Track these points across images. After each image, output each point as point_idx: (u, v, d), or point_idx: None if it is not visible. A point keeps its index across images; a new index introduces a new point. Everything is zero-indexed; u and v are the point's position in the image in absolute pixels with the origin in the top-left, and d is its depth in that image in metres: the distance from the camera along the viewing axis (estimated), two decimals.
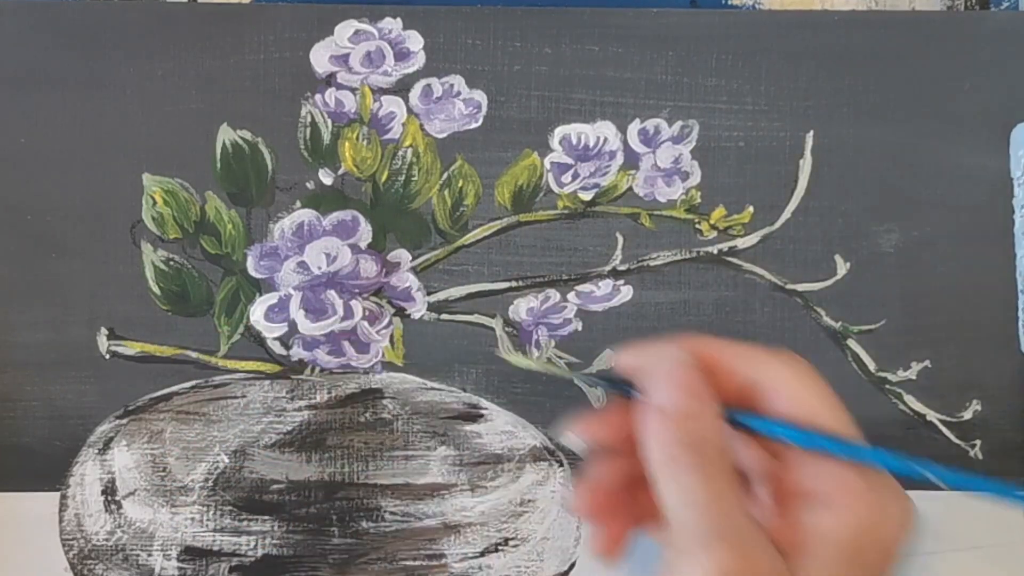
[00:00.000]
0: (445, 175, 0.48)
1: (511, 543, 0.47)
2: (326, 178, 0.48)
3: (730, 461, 0.35)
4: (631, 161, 0.49)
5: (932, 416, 0.48)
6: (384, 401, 0.47)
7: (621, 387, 0.37)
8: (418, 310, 0.48)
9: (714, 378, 0.36)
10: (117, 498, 0.46)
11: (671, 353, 0.36)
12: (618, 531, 0.39)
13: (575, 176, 0.48)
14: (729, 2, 0.50)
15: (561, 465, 0.47)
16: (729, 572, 0.33)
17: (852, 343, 0.48)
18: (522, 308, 0.48)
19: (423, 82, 0.48)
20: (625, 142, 0.49)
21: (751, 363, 0.37)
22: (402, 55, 0.48)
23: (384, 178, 0.48)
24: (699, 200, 0.49)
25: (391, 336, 0.48)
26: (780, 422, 0.35)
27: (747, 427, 0.36)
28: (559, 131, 0.48)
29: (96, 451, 0.47)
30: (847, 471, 0.35)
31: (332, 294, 0.47)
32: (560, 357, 0.48)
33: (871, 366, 0.48)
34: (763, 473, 0.37)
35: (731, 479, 0.35)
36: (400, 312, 0.48)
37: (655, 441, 0.35)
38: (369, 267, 0.48)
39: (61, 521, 0.46)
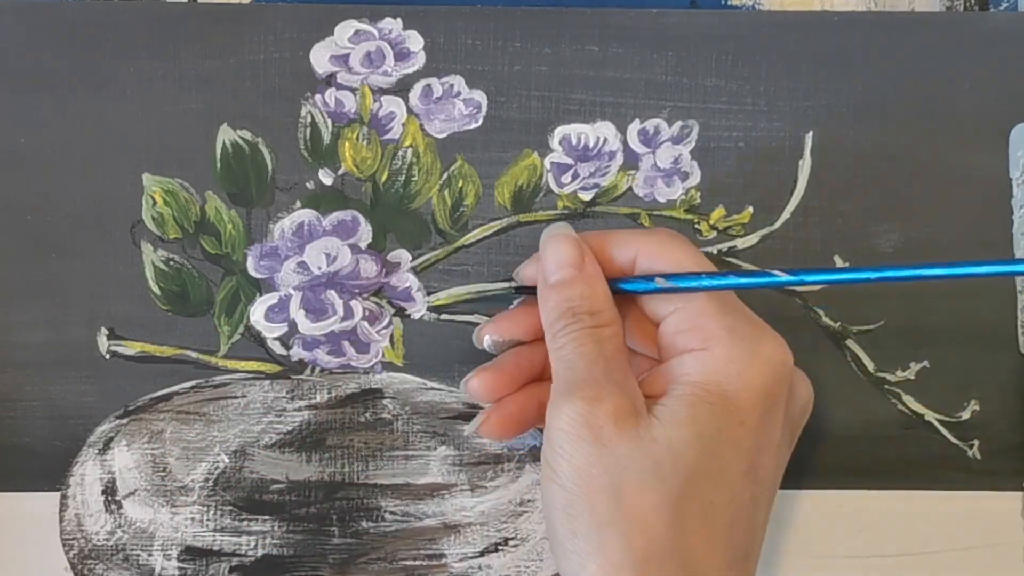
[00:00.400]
0: (445, 175, 0.48)
1: (511, 543, 0.47)
2: (326, 178, 0.48)
3: (606, 322, 0.40)
4: (631, 161, 0.49)
5: (931, 416, 0.48)
6: (384, 401, 0.48)
7: (528, 291, 0.43)
8: (418, 310, 0.48)
9: (601, 258, 0.41)
10: (117, 498, 0.46)
11: (554, 228, 0.42)
12: (512, 412, 0.43)
13: (575, 176, 0.48)
14: (729, 2, 0.50)
15: None
16: (581, 414, 0.37)
17: (851, 343, 0.48)
18: None
19: (423, 82, 0.48)
20: (625, 142, 0.49)
21: (630, 241, 0.42)
22: (402, 55, 0.48)
23: (384, 178, 0.48)
24: (699, 200, 0.49)
25: (391, 336, 0.48)
26: (654, 278, 0.40)
27: (631, 291, 0.41)
28: (559, 131, 0.48)
29: (96, 451, 0.47)
30: (712, 323, 0.39)
31: (332, 294, 0.47)
32: None
33: (870, 366, 0.48)
34: (644, 336, 0.42)
35: (600, 338, 0.39)
36: (400, 312, 0.48)
37: (542, 311, 0.41)
38: (369, 267, 0.48)
39: (61, 521, 0.46)
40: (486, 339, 0.44)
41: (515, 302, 0.45)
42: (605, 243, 0.42)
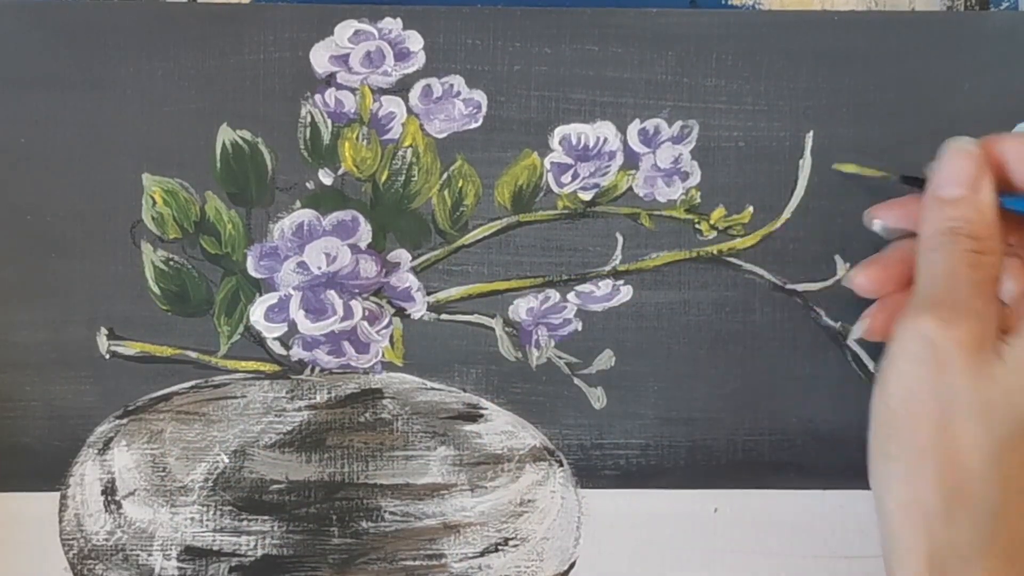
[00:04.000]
0: (445, 175, 0.48)
1: (511, 543, 0.47)
2: (326, 178, 0.48)
3: (986, 250, 0.38)
4: (631, 161, 0.49)
5: None
6: (384, 401, 0.48)
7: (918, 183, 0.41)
8: (418, 310, 0.48)
9: (999, 169, 0.39)
10: (117, 498, 0.46)
11: (958, 144, 0.40)
12: (897, 313, 0.40)
13: (575, 176, 0.48)
14: (729, 2, 0.50)
15: (561, 465, 0.48)
16: (929, 335, 0.36)
17: (851, 343, 0.48)
18: (522, 308, 0.48)
19: (423, 82, 0.48)
20: (625, 142, 0.49)
21: None
22: (402, 55, 0.48)
23: (384, 178, 0.48)
24: (699, 200, 0.49)
25: (391, 336, 0.48)
26: None
27: (1015, 210, 0.39)
28: (559, 131, 0.48)
29: (96, 451, 0.47)
30: None
31: (332, 294, 0.47)
32: (560, 357, 0.48)
33: (871, 366, 0.48)
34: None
35: (974, 263, 0.37)
36: (400, 312, 0.48)
37: (921, 224, 0.39)
38: (369, 267, 0.48)
39: (61, 521, 0.46)
40: (877, 223, 0.43)
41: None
42: (1005, 147, 0.40)
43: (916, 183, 0.42)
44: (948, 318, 0.36)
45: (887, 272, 0.42)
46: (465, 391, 0.48)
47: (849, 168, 0.47)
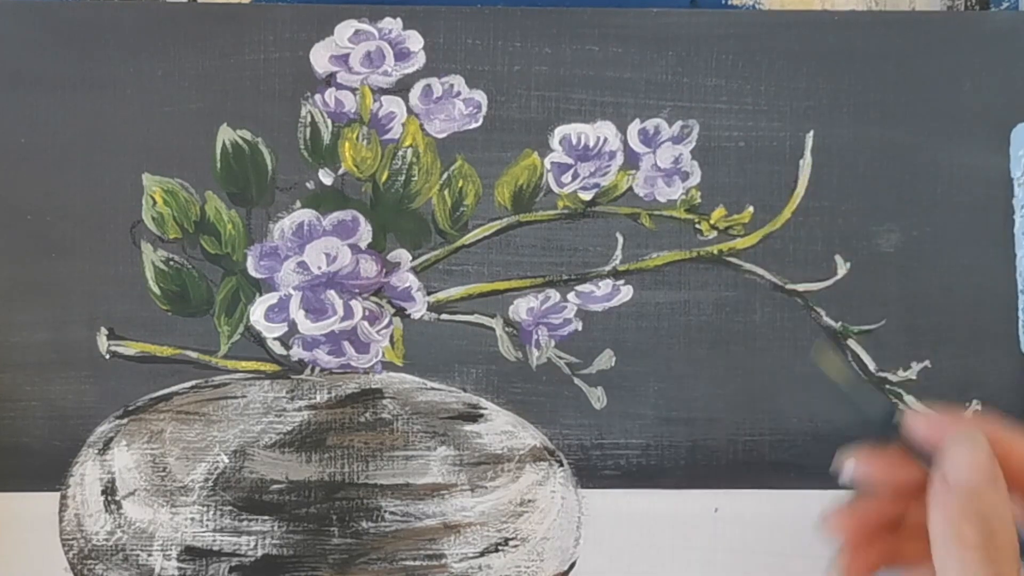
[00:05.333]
0: (445, 175, 0.48)
1: (511, 543, 0.47)
2: (326, 178, 0.48)
3: (1014, 544, 0.37)
4: (631, 161, 0.49)
5: None
6: (384, 401, 0.47)
7: (906, 444, 0.39)
8: (418, 310, 0.48)
9: (1004, 462, 0.37)
10: (117, 498, 0.46)
11: (969, 433, 0.38)
12: (866, 565, 0.40)
13: (575, 176, 0.48)
14: (729, 2, 0.50)
15: (561, 465, 0.48)
16: None
17: (852, 343, 0.48)
18: (522, 308, 0.48)
19: (423, 82, 0.48)
20: (625, 142, 0.49)
21: None
22: (402, 55, 0.48)
23: (384, 178, 0.48)
24: (699, 200, 0.49)
25: (391, 336, 0.48)
26: None
27: None
28: (559, 131, 0.48)
29: (96, 451, 0.47)
30: None
31: (332, 294, 0.47)
32: (560, 357, 0.48)
33: (871, 366, 0.48)
34: None
35: (1012, 562, 0.36)
36: (400, 312, 0.48)
37: (942, 513, 0.37)
38: (369, 267, 0.48)
39: (61, 521, 0.46)
40: (846, 470, 0.40)
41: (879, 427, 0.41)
42: (1010, 442, 0.38)
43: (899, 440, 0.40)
44: None
45: (862, 524, 0.40)
46: (465, 391, 0.48)
47: (824, 362, 0.44)
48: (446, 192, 0.48)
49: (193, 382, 0.47)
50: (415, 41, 0.48)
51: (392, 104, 0.48)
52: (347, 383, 0.48)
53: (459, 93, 0.48)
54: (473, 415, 0.48)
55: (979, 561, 0.36)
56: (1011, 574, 0.36)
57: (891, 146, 0.49)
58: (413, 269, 0.48)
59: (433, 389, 0.48)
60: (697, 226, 0.49)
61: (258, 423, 0.47)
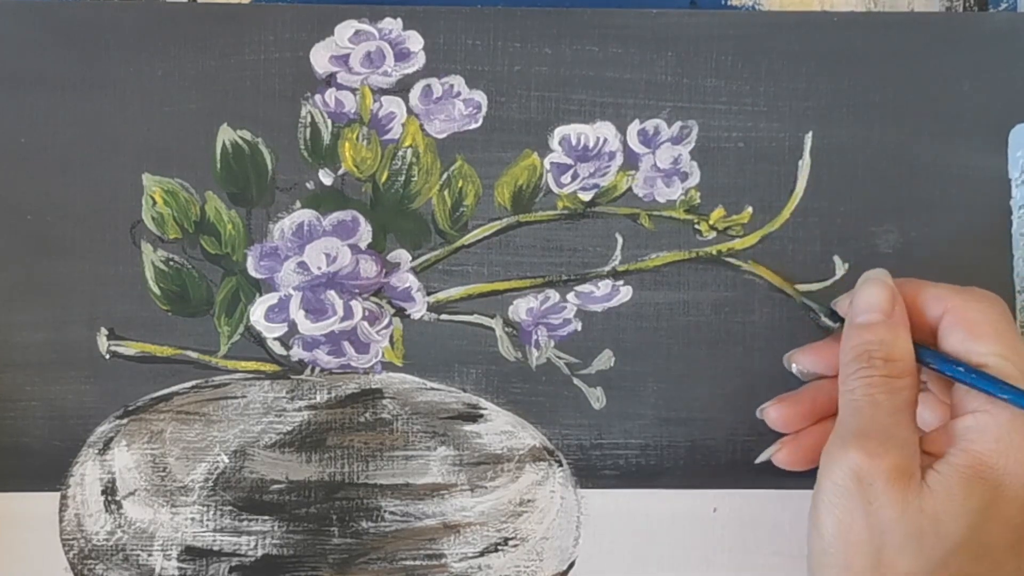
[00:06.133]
0: (445, 175, 0.48)
1: (511, 543, 0.47)
2: (326, 178, 0.48)
3: (901, 372, 0.40)
4: (631, 161, 0.49)
5: None
6: (384, 401, 0.48)
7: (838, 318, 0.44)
8: (418, 310, 0.48)
9: (911, 308, 0.41)
10: (117, 498, 0.46)
11: (874, 273, 0.43)
12: (807, 444, 0.44)
13: (575, 176, 0.48)
14: (729, 2, 0.50)
15: (560, 465, 0.48)
16: (856, 469, 0.37)
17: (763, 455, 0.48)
18: (522, 308, 0.48)
19: (423, 82, 0.48)
20: (625, 143, 0.49)
21: (943, 297, 0.41)
22: (402, 55, 0.48)
23: (384, 178, 0.48)
24: (698, 200, 0.49)
25: (391, 336, 0.48)
26: (952, 363, 0.40)
27: (930, 367, 0.41)
28: (559, 131, 0.48)
29: (96, 451, 0.47)
30: (1004, 405, 0.38)
31: (332, 294, 0.47)
32: (560, 358, 0.48)
33: None
34: (940, 384, 0.42)
35: (892, 388, 0.39)
36: (400, 312, 0.48)
37: (841, 349, 0.41)
38: (369, 267, 0.48)
39: (61, 521, 0.46)
40: (793, 365, 0.46)
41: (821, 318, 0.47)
42: (919, 293, 0.42)
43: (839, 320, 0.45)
44: (874, 450, 0.37)
45: (797, 409, 0.45)
46: (465, 391, 0.48)
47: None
48: (446, 192, 0.48)
49: (193, 382, 0.47)
50: (415, 41, 0.48)
51: (392, 104, 0.48)
52: (347, 383, 0.48)
53: (459, 93, 0.48)
54: (473, 415, 0.48)
55: (858, 386, 0.39)
56: (884, 394, 0.39)
57: (890, 147, 0.49)
58: (413, 269, 0.48)
59: (433, 389, 0.48)
60: (696, 227, 0.49)
61: (258, 423, 0.47)
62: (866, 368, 0.40)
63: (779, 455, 0.45)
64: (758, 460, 0.47)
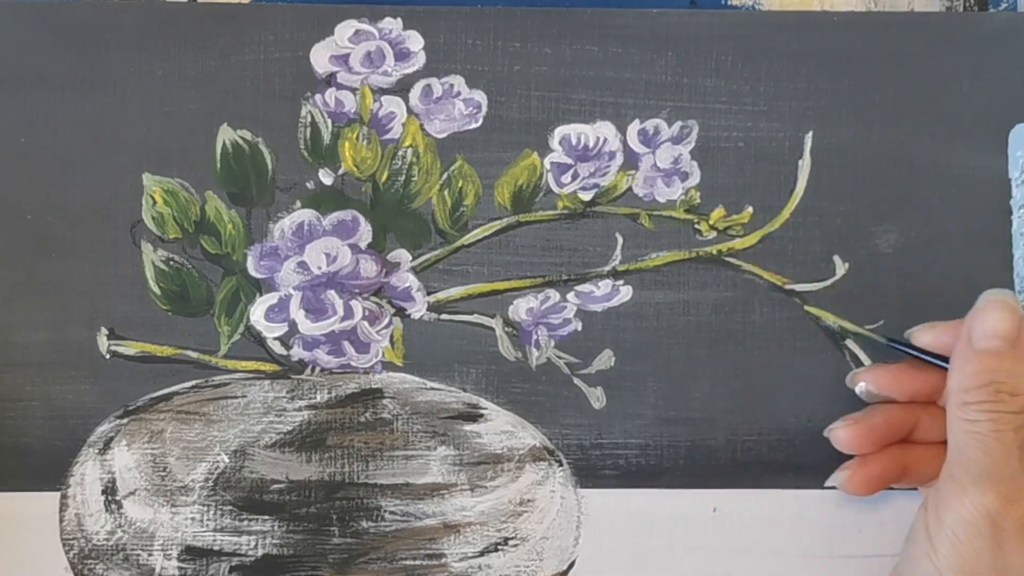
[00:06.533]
0: (445, 175, 0.48)
1: (511, 543, 0.47)
2: (326, 178, 0.48)
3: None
4: (631, 161, 0.49)
5: None
6: (384, 401, 0.48)
7: (922, 354, 0.42)
8: (418, 310, 0.48)
9: None
10: (117, 498, 0.46)
11: (1000, 294, 0.40)
12: (875, 472, 0.42)
13: (575, 176, 0.48)
14: (729, 2, 0.50)
15: (561, 465, 0.48)
16: (992, 512, 0.36)
17: (851, 343, 0.48)
18: (522, 308, 0.48)
19: (423, 82, 0.48)
20: (625, 142, 0.49)
21: None
22: (402, 55, 0.48)
23: (384, 178, 0.48)
24: (698, 200, 0.49)
25: (391, 336, 0.48)
26: None
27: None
28: (559, 131, 0.48)
29: (96, 451, 0.47)
30: None
31: (332, 294, 0.47)
32: (560, 357, 0.48)
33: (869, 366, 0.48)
34: None
35: (1018, 426, 0.37)
36: (400, 312, 0.48)
37: (958, 374, 0.39)
38: (369, 267, 0.48)
39: (61, 521, 0.46)
40: (861, 385, 0.44)
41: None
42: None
43: (900, 346, 0.44)
44: (1010, 496, 0.37)
45: (869, 433, 0.43)
46: (465, 391, 0.48)
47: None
48: (446, 192, 0.48)
49: (193, 382, 0.47)
50: (415, 41, 0.48)
51: (392, 104, 0.48)
52: (347, 383, 0.48)
53: (459, 93, 0.48)
54: (473, 415, 0.48)
55: (986, 420, 0.37)
56: (1012, 434, 0.37)
57: (890, 147, 0.49)
58: (413, 269, 0.48)
59: (433, 389, 0.48)
60: (696, 226, 0.49)
61: (258, 423, 0.47)
62: (993, 403, 0.38)
63: (849, 482, 0.44)
64: (827, 484, 0.46)
